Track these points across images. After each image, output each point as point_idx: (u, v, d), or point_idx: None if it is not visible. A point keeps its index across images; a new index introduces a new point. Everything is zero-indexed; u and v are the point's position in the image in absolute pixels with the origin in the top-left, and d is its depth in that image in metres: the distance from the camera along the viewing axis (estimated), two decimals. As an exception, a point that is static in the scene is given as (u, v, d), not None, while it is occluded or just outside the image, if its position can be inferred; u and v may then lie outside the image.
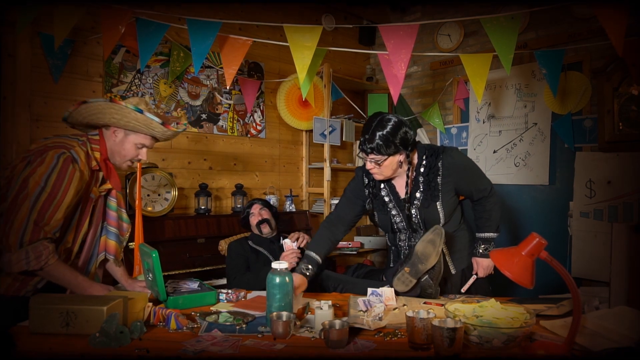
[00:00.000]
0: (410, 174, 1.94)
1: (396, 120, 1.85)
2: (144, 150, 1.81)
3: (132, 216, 2.34)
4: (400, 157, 1.88)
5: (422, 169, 1.94)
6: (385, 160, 1.84)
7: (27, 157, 1.62)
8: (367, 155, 1.86)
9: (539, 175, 3.53)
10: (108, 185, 1.85)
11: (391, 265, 2.16)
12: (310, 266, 1.93)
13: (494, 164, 3.77)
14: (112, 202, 1.92)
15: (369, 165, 1.89)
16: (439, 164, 1.91)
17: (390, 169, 1.89)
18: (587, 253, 3.13)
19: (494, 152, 3.79)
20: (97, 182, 1.80)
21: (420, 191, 1.94)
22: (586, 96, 3.27)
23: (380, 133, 1.81)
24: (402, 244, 2.06)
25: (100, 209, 1.88)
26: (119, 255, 1.93)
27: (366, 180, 2.05)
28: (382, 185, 2.03)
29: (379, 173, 1.90)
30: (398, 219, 2.02)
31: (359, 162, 4.33)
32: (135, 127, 1.74)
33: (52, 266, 1.58)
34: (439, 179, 1.92)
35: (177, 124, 1.85)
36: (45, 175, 1.57)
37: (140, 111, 1.70)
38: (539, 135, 3.54)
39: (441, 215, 1.95)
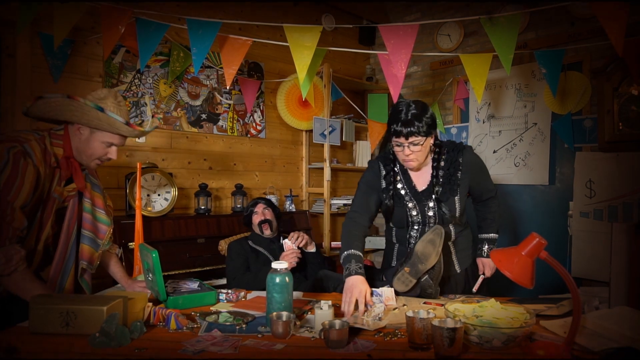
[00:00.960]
0: (432, 165, 1.96)
1: (419, 102, 1.88)
2: (114, 148, 1.69)
3: (132, 216, 2.35)
4: (431, 140, 1.90)
5: (442, 163, 1.95)
6: (425, 141, 1.84)
7: None
8: (407, 140, 1.82)
9: (539, 175, 3.53)
10: (74, 185, 1.72)
11: (392, 264, 2.16)
12: (361, 264, 1.86)
13: (494, 164, 3.77)
14: (86, 203, 1.78)
15: (406, 152, 1.85)
16: (460, 159, 1.93)
17: (425, 152, 1.89)
18: (587, 253, 3.13)
19: (494, 152, 3.79)
20: (60, 181, 1.67)
21: (439, 184, 1.95)
22: (586, 96, 3.27)
23: (414, 112, 1.81)
24: (413, 241, 2.04)
25: (73, 212, 1.74)
26: (93, 261, 1.78)
27: (384, 172, 2.03)
28: (399, 178, 2.02)
29: (415, 159, 1.87)
30: (414, 212, 2.00)
31: (358, 162, 4.33)
32: (99, 126, 1.62)
33: (20, 274, 1.50)
34: (458, 174, 1.93)
35: (152, 117, 1.71)
36: None
37: (101, 109, 1.57)
38: (539, 135, 3.54)
39: (458, 210, 1.95)
